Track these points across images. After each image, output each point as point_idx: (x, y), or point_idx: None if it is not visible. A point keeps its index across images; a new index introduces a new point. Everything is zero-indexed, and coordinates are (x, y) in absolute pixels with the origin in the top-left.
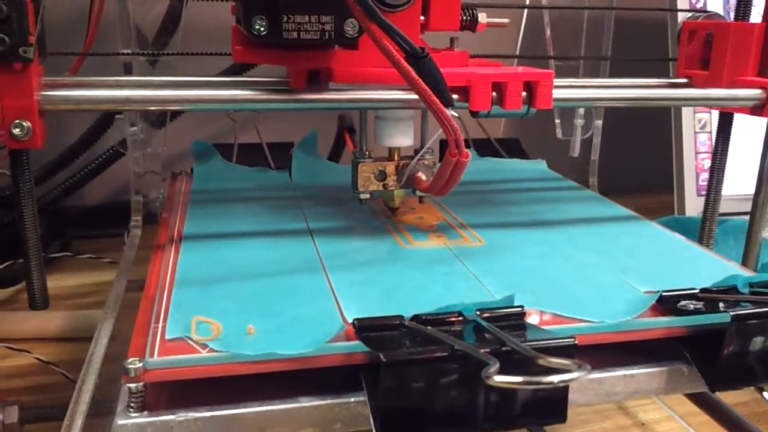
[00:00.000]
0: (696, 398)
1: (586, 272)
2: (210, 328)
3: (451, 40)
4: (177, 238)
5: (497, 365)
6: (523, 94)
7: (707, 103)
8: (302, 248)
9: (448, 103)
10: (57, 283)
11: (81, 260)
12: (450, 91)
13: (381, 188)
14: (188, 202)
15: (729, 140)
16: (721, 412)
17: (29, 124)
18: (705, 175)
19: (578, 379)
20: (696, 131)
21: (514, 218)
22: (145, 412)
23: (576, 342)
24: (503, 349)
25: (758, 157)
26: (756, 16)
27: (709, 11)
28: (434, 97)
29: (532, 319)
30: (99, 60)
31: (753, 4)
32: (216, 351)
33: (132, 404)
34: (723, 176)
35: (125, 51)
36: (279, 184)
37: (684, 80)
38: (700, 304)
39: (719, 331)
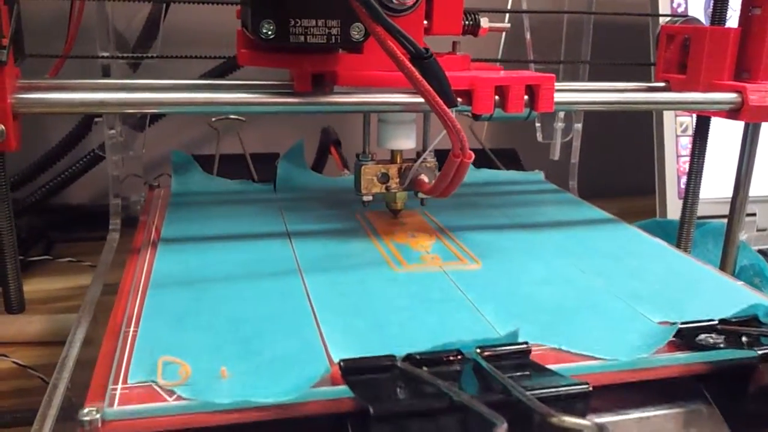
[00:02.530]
0: None
1: (592, 298)
2: (179, 370)
3: (453, 44)
4: (148, 270)
5: (504, 426)
6: (525, 97)
7: (684, 106)
8: (285, 272)
9: (452, 104)
10: (37, 286)
11: (61, 263)
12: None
13: (384, 190)
14: (162, 225)
15: (706, 143)
16: None
17: (2, 127)
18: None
19: None
20: (677, 134)
21: (511, 235)
22: None
23: (590, 389)
24: (508, 399)
25: (736, 160)
26: (733, 21)
27: (688, 16)
28: (438, 98)
29: (539, 356)
30: (81, 64)
31: (732, 8)
32: (184, 398)
33: None
34: (701, 179)
35: (103, 54)
36: (262, 199)
37: (662, 84)
38: (720, 339)
39: (741, 368)
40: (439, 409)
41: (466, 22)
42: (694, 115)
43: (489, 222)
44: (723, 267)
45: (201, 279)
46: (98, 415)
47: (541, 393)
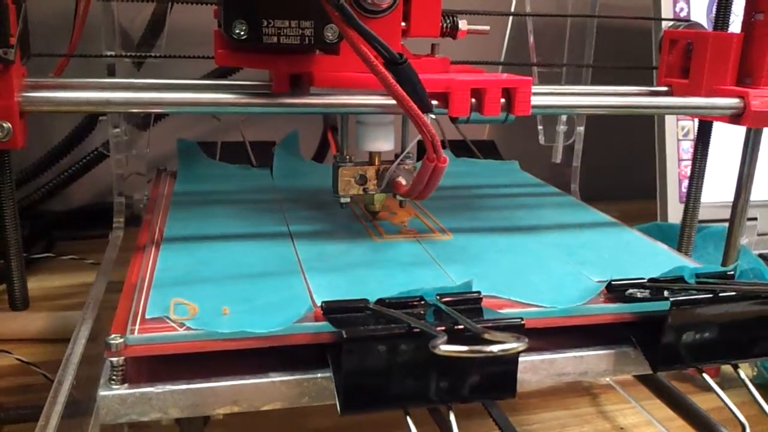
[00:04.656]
0: (670, 402)
1: (546, 264)
2: (187, 308)
3: (432, 46)
4: (158, 239)
5: (445, 338)
6: (502, 100)
7: (686, 111)
8: (280, 241)
9: (427, 109)
10: (40, 284)
11: (64, 261)
12: (429, 97)
13: (361, 192)
14: (170, 204)
15: (708, 148)
16: (694, 416)
17: (9, 125)
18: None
19: (516, 350)
20: (679, 138)
21: (484, 216)
22: (126, 385)
23: (523, 322)
24: (456, 327)
25: (738, 164)
26: (736, 26)
27: (691, 20)
28: (411, 103)
29: (489, 304)
30: (85, 63)
31: (734, 13)
32: (192, 329)
33: (114, 377)
34: (702, 184)
35: (108, 53)
36: (260, 183)
37: (664, 88)
38: (646, 292)
39: (663, 317)
40: (399, 334)
41: (445, 25)
42: (696, 120)
43: (464, 206)
44: None
45: (206, 242)
46: (122, 340)
47: (484, 324)
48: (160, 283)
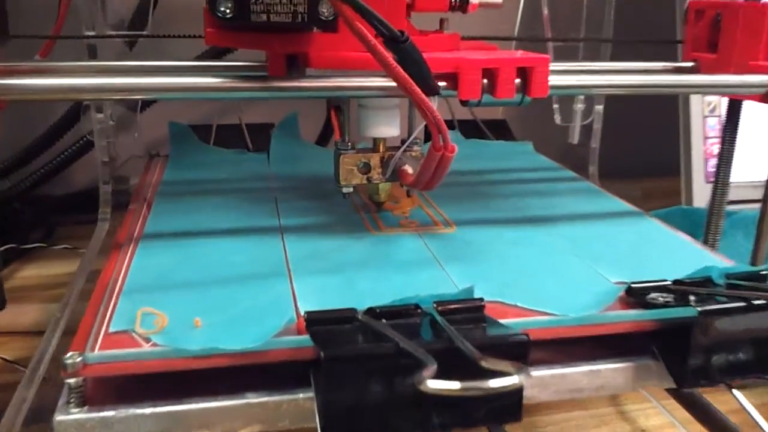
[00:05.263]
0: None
1: (558, 261)
2: (155, 320)
3: (441, 21)
4: (138, 234)
5: (434, 367)
6: (517, 81)
7: (715, 90)
8: (268, 236)
9: (433, 92)
10: (38, 271)
11: (60, 249)
12: (436, 79)
13: (365, 181)
14: (156, 195)
15: (737, 129)
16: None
17: None
18: (714, 161)
19: (516, 386)
20: (705, 115)
21: (493, 205)
22: (86, 408)
23: (528, 339)
24: (451, 346)
25: None
26: None
27: None
28: (414, 86)
29: (494, 311)
30: (75, 43)
31: None
32: (159, 345)
33: (72, 400)
34: (730, 169)
35: (89, 33)
36: (255, 170)
37: (690, 64)
38: (670, 297)
39: (689, 326)
40: (385, 355)
41: None
42: (725, 97)
43: (473, 193)
44: (754, 261)
45: (188, 239)
46: (80, 359)
47: (483, 342)
48: (131, 287)
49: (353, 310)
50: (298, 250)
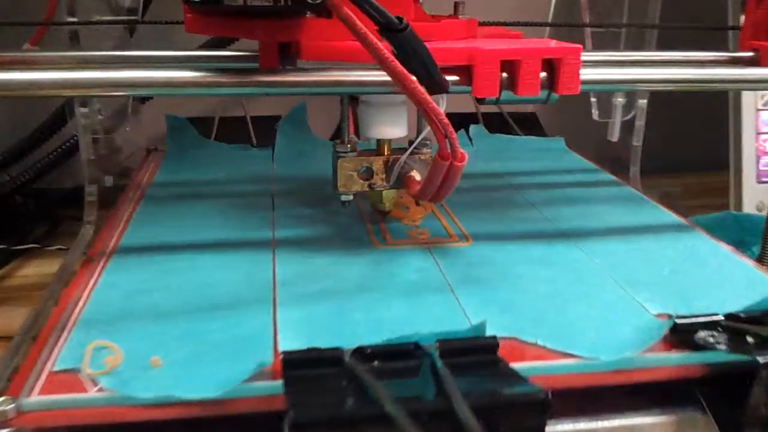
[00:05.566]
0: None
1: (589, 285)
2: (107, 357)
3: (456, 5)
4: (113, 247)
5: None
6: (543, 75)
7: None
8: (257, 253)
9: (438, 88)
10: (37, 269)
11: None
12: (446, 72)
13: (366, 188)
14: (142, 198)
15: None
16: None
17: None
18: (767, 159)
19: None
20: (758, 108)
21: (517, 215)
22: None
23: (547, 397)
24: (447, 409)
25: None
26: None
27: None
28: (414, 83)
29: (510, 351)
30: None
31: None
32: (106, 390)
33: None
34: None
35: (70, 19)
36: (256, 169)
37: (749, 54)
38: (722, 338)
39: (742, 373)
40: (365, 418)
41: None
42: None
43: (495, 199)
44: None
45: (167, 253)
46: (11, 406)
47: (490, 401)
48: (90, 314)
49: (339, 351)
50: (289, 268)
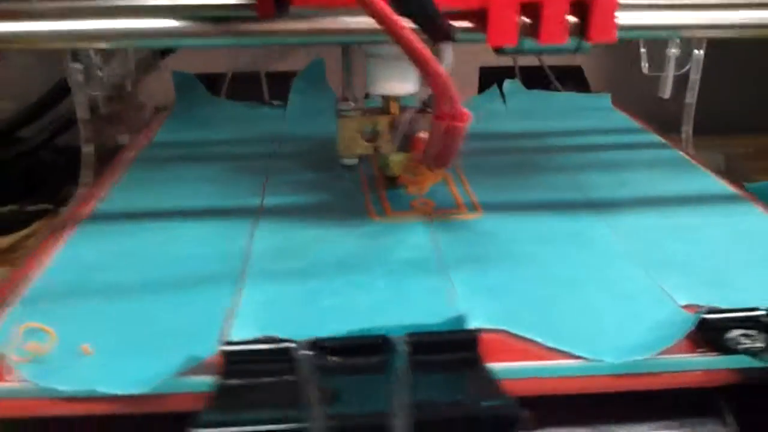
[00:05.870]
0: None
1: (608, 269)
2: (38, 343)
3: None
4: (86, 213)
5: None
6: (571, 19)
7: None
8: (237, 223)
9: (443, 36)
10: None
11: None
12: (455, 18)
13: (371, 151)
14: (134, 160)
15: None
16: None
17: None
18: None
19: None
20: None
21: (542, 181)
22: None
23: (516, 413)
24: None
25: None
26: None
27: None
28: (403, 28)
29: (496, 346)
30: None
31: None
32: (24, 380)
33: None
34: None
35: None
36: (264, 129)
37: None
38: (758, 338)
39: None
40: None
41: None
42: None
43: (536, 196)
44: None
45: (141, 222)
46: None
47: (451, 413)
48: (38, 290)
49: (290, 343)
50: (267, 242)
